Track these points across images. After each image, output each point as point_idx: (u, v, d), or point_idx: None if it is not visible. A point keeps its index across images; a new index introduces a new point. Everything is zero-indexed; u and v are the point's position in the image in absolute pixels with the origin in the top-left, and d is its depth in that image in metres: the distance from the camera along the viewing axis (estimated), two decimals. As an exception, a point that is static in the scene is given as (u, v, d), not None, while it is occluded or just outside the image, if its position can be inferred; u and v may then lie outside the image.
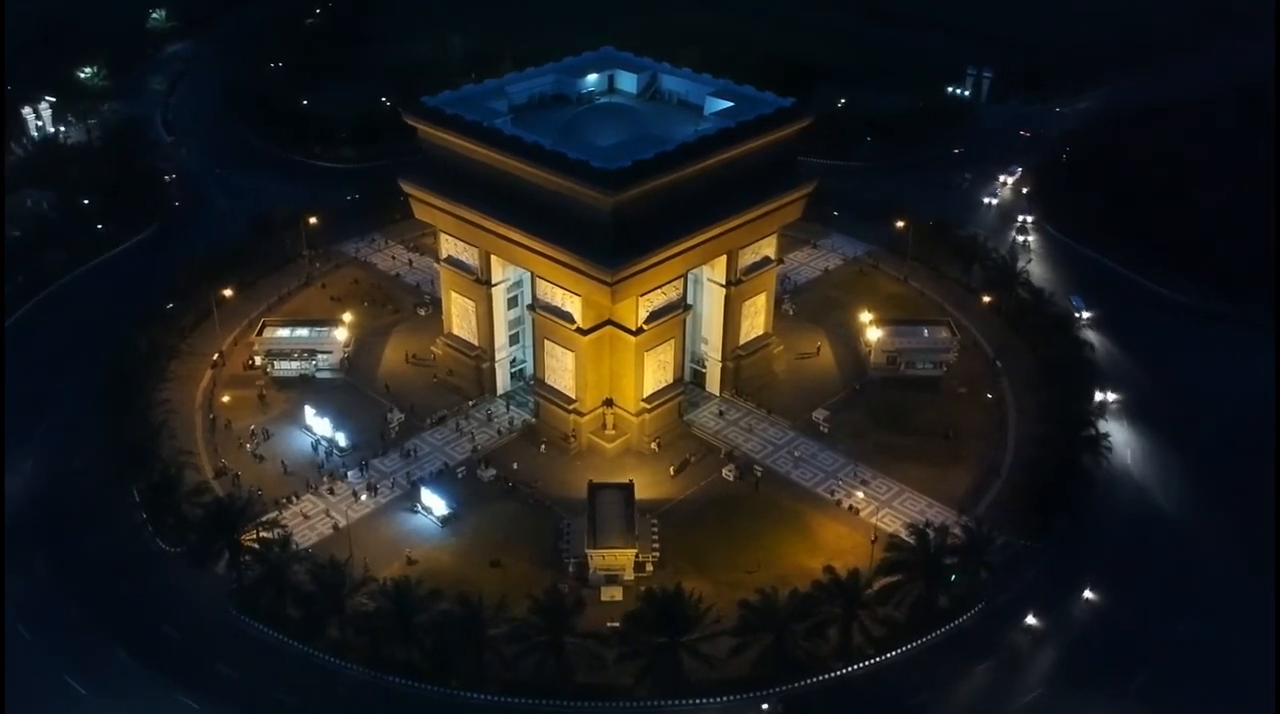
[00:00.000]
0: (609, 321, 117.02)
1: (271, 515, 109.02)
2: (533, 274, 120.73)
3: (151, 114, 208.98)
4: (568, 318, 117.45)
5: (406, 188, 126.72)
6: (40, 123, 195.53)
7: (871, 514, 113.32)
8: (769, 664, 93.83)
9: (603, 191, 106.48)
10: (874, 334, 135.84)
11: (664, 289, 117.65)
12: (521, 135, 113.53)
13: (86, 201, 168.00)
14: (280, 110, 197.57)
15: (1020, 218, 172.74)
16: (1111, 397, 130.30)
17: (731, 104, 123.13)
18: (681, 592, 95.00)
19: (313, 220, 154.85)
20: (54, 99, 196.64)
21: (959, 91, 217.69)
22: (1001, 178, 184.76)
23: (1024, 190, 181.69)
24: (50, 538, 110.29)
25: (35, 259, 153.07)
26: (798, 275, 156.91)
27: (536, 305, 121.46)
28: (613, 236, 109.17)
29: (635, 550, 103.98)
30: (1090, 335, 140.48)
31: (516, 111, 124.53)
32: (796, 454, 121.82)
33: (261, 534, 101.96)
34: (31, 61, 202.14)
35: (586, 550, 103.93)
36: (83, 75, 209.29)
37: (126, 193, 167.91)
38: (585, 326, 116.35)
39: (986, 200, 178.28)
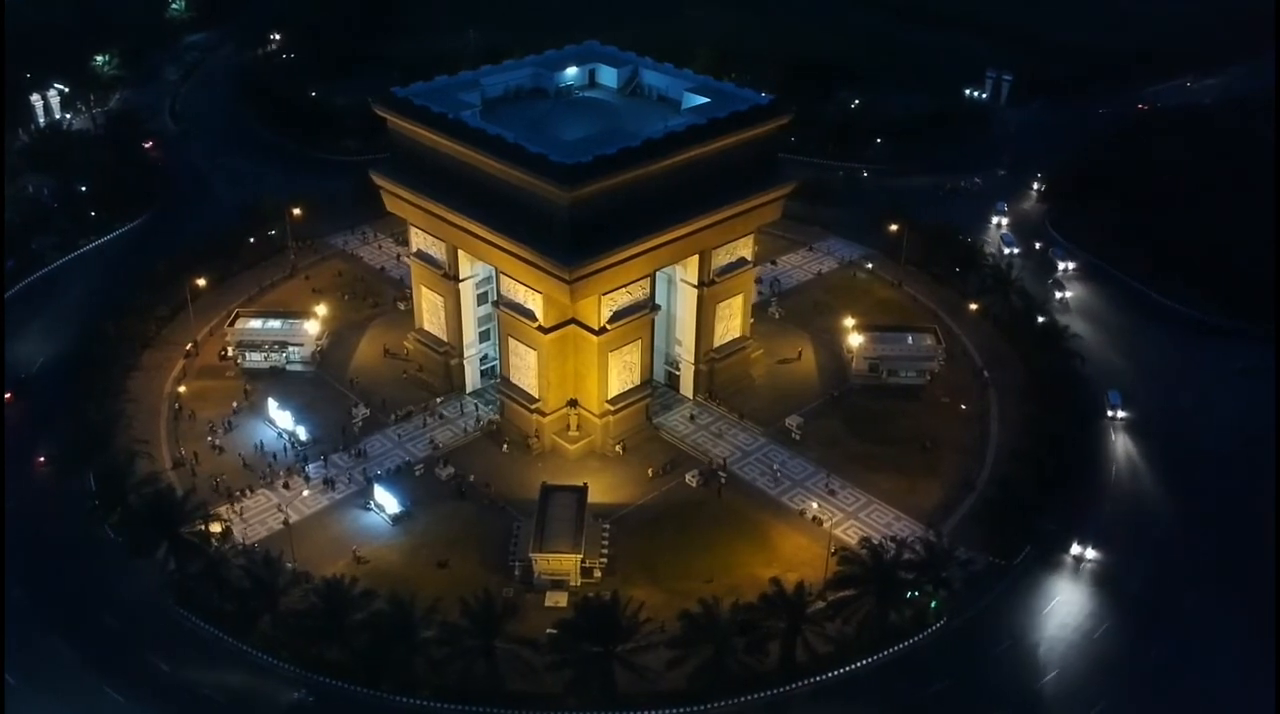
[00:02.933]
0: (572, 320, 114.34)
1: (221, 508, 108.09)
2: (496, 270, 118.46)
3: (161, 103, 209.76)
4: (530, 315, 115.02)
5: (377, 179, 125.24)
6: (49, 110, 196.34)
7: (836, 525, 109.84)
8: (706, 679, 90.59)
9: (560, 186, 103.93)
10: (856, 340, 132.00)
11: (629, 288, 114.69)
12: (484, 127, 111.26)
13: (84, 188, 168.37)
14: (287, 101, 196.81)
15: (1061, 266, 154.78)
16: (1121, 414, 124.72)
17: (708, 100, 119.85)
18: (617, 600, 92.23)
19: (296, 211, 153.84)
20: (63, 87, 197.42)
21: (977, 94, 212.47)
22: (995, 219, 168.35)
23: (1037, 245, 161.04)
24: (4, 522, 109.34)
25: (26, 245, 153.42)
26: (788, 278, 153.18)
27: (500, 302, 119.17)
28: (571, 233, 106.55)
29: (580, 555, 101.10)
30: (1120, 443, 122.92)
31: (490, 104, 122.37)
32: (775, 465, 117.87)
33: (200, 527, 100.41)
34: (45, 49, 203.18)
35: (530, 554, 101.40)
36: (96, 63, 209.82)
37: (122, 180, 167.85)
38: (547, 325, 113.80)
39: (1007, 251, 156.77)
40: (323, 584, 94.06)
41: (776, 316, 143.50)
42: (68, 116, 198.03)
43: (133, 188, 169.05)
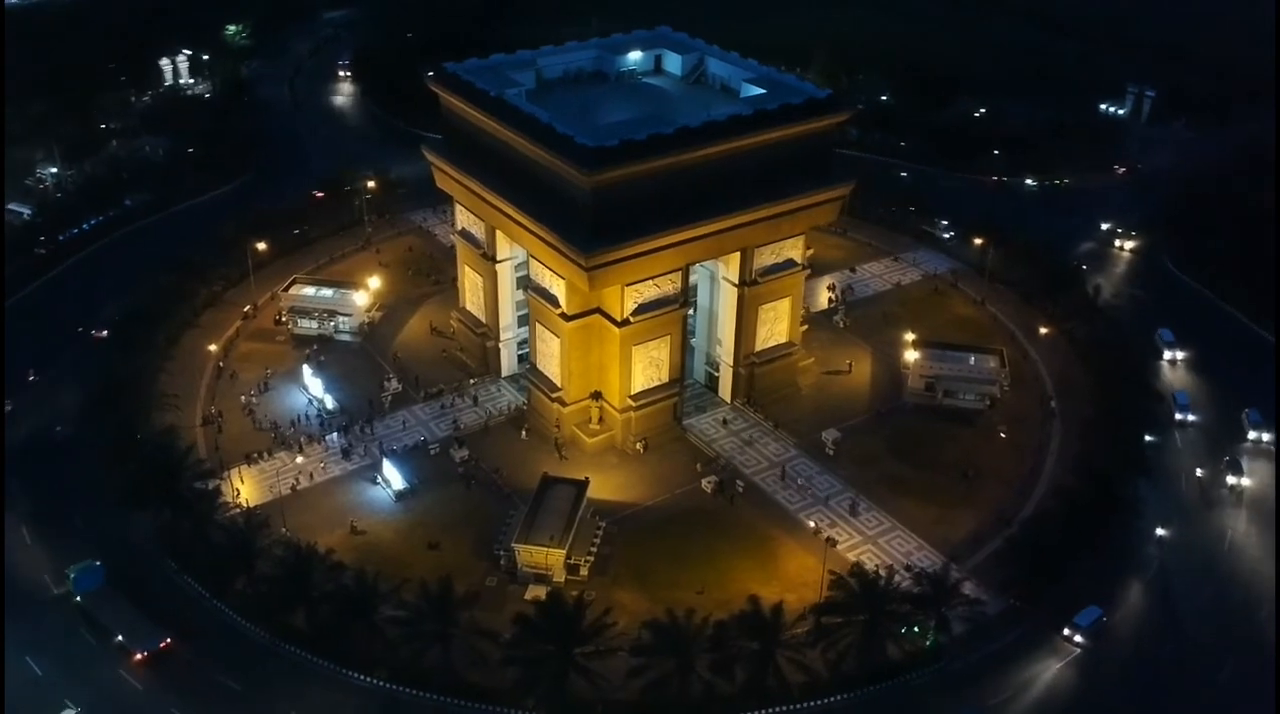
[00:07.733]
0: (596, 310, 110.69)
1: (237, 468, 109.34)
2: (528, 252, 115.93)
3: (285, 75, 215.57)
4: (554, 301, 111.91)
5: (427, 155, 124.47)
6: (177, 74, 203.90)
7: (850, 548, 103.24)
8: (660, 694, 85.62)
9: (582, 169, 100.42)
10: (912, 356, 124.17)
11: (657, 282, 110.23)
12: (520, 106, 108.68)
13: (190, 150, 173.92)
14: (395, 78, 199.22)
15: (1253, 436, 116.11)
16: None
17: (763, 92, 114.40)
18: (582, 600, 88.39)
19: (370, 184, 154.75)
20: (190, 52, 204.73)
21: (1115, 110, 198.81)
22: (1167, 355, 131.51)
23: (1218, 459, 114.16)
24: (31, 463, 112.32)
25: (120, 201, 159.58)
26: (864, 287, 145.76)
27: (529, 285, 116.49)
28: (592, 218, 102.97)
29: (564, 551, 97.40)
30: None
31: (546, 85, 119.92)
32: (798, 478, 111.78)
33: (194, 486, 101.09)
34: (179, 14, 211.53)
35: (513, 544, 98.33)
36: (227, 33, 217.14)
37: (224, 146, 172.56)
38: (570, 312, 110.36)
39: (1179, 416, 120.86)
40: (290, 553, 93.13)
41: (841, 326, 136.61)
42: (193, 81, 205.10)
43: (234, 154, 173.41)
